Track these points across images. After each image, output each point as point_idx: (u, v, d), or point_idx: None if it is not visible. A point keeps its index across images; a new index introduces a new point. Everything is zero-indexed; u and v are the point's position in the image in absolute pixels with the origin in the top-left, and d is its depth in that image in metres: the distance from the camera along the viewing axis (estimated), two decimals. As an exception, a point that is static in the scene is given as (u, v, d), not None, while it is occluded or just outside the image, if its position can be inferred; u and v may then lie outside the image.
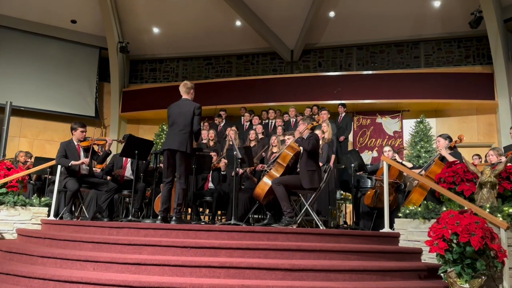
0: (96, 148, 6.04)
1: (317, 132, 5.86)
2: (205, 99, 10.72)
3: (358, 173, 6.60)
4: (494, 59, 9.30)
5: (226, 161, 6.65)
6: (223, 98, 10.81)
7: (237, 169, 5.58)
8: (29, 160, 7.73)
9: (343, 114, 8.63)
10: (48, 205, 5.72)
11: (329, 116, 7.89)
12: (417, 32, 10.59)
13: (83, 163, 5.72)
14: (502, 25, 9.27)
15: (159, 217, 4.99)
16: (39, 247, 4.32)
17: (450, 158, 5.26)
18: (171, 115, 5.17)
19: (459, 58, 10.44)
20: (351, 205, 7.57)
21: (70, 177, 5.61)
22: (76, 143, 5.80)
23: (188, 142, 4.99)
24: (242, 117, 9.40)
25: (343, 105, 8.75)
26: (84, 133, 5.85)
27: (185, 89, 5.26)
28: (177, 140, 4.97)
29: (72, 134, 5.88)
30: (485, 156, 6.11)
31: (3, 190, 5.74)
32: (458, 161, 4.69)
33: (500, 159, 5.52)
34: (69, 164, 5.61)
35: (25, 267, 3.69)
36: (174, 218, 4.88)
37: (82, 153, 5.77)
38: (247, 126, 9.02)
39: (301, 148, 5.16)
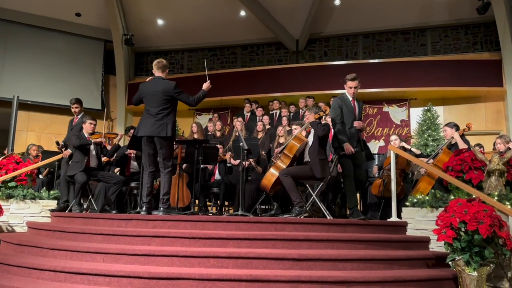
0: (104, 141, 6.07)
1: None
2: (210, 90, 10.70)
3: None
4: (502, 45, 9.17)
5: (233, 154, 6.65)
6: (228, 89, 10.79)
7: (244, 162, 5.53)
8: (40, 154, 7.81)
9: None
10: (57, 198, 5.79)
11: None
12: (424, 19, 10.45)
13: (101, 142, 5.88)
14: (510, 11, 9.10)
15: (144, 208, 4.73)
16: (49, 239, 4.38)
17: (461, 143, 5.24)
18: (144, 95, 4.84)
19: (466, 45, 10.30)
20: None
21: (79, 167, 5.66)
22: (86, 136, 5.85)
23: (167, 125, 4.70)
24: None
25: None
26: (92, 126, 5.89)
27: (160, 66, 4.92)
28: (154, 125, 4.68)
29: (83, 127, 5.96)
30: (493, 144, 6.06)
31: (13, 183, 5.81)
32: (466, 149, 4.66)
33: (508, 147, 5.48)
34: (92, 142, 5.75)
35: (36, 259, 3.74)
36: (162, 209, 4.67)
37: (92, 146, 5.81)
38: (248, 117, 9.01)
39: (309, 138, 5.15)
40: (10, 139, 9.10)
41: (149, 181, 4.83)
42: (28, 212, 5.61)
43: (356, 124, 4.83)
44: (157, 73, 4.96)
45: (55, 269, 3.40)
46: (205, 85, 5.11)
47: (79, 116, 6.08)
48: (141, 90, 4.93)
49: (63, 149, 6.05)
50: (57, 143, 6.09)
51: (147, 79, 5.05)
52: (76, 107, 6.03)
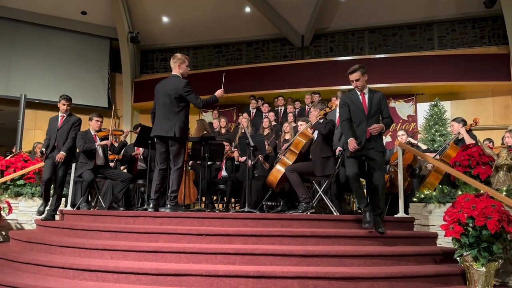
0: (111, 138, 6.09)
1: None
2: (216, 87, 10.71)
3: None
4: (510, 39, 9.05)
5: (239, 152, 6.66)
6: (234, 86, 10.76)
7: (250, 160, 5.49)
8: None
9: None
10: (65, 195, 5.82)
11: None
12: (430, 13, 10.35)
13: (107, 144, 5.82)
14: (518, 4, 9.02)
15: (151, 205, 4.69)
16: (57, 236, 4.42)
17: (468, 138, 5.20)
18: (156, 94, 4.82)
19: (473, 39, 10.21)
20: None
21: (86, 167, 5.69)
22: (93, 133, 5.88)
23: (175, 125, 4.63)
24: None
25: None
26: (98, 123, 5.92)
27: (172, 63, 4.85)
28: (163, 124, 4.65)
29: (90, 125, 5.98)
30: (502, 139, 6.02)
31: (21, 181, 5.86)
32: (473, 144, 4.62)
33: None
34: (96, 146, 5.71)
35: (44, 256, 3.78)
36: (169, 206, 4.64)
37: (98, 142, 5.84)
38: (253, 113, 9.00)
39: (314, 135, 5.13)
40: (18, 137, 9.19)
41: (158, 178, 4.80)
42: (36, 210, 5.65)
43: (371, 130, 4.24)
44: (173, 70, 4.91)
45: (64, 266, 3.43)
46: (219, 92, 5.02)
47: (65, 115, 5.51)
48: (155, 90, 4.87)
49: (43, 157, 5.47)
50: (41, 152, 5.55)
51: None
52: (68, 105, 5.48)
